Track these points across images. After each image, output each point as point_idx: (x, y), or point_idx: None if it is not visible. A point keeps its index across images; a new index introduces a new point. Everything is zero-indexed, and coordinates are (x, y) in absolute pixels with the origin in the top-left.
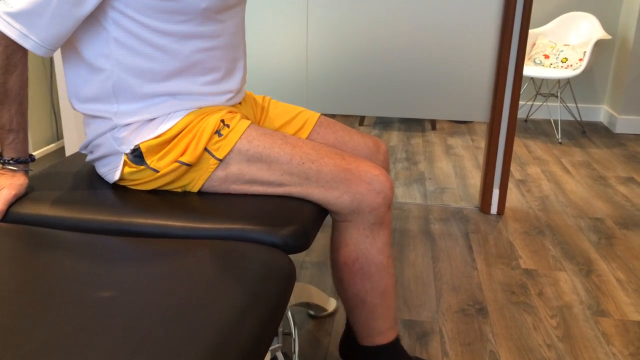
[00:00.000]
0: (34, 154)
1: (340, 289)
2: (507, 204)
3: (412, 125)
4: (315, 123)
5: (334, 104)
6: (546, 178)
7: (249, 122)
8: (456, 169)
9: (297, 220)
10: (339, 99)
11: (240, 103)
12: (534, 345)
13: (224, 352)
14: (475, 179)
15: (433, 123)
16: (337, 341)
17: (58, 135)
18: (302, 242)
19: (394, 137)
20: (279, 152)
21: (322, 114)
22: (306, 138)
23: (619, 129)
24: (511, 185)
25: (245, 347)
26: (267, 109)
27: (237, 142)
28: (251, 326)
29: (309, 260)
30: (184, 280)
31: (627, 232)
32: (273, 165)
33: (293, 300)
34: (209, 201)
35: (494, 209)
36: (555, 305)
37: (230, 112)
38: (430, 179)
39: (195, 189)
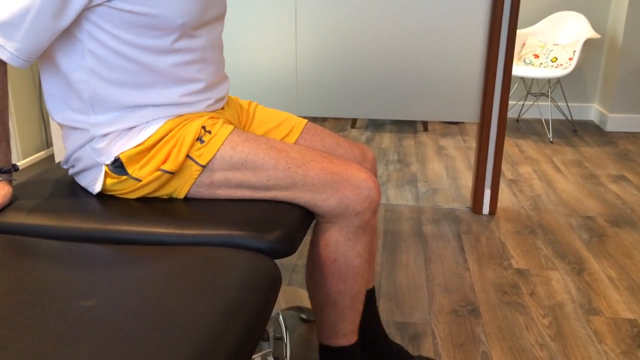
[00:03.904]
0: (24, 161)
1: (313, 288)
2: (499, 204)
3: (404, 126)
4: (302, 129)
5: (325, 107)
6: (538, 177)
7: (232, 127)
8: (448, 169)
9: (283, 225)
10: (329, 102)
11: (222, 108)
12: (526, 345)
13: (208, 355)
14: (467, 180)
15: (425, 124)
16: None
17: (47, 143)
18: (288, 247)
19: (386, 139)
20: (264, 157)
21: (309, 121)
22: None
23: (610, 127)
24: (503, 185)
25: (229, 354)
26: (252, 114)
27: (219, 148)
28: (234, 333)
29: (301, 264)
30: (166, 288)
31: (619, 230)
32: (258, 170)
33: (284, 304)
34: (194, 207)
35: (485, 209)
36: (547, 305)
37: (212, 117)
38: (426, 181)
39: (181, 196)
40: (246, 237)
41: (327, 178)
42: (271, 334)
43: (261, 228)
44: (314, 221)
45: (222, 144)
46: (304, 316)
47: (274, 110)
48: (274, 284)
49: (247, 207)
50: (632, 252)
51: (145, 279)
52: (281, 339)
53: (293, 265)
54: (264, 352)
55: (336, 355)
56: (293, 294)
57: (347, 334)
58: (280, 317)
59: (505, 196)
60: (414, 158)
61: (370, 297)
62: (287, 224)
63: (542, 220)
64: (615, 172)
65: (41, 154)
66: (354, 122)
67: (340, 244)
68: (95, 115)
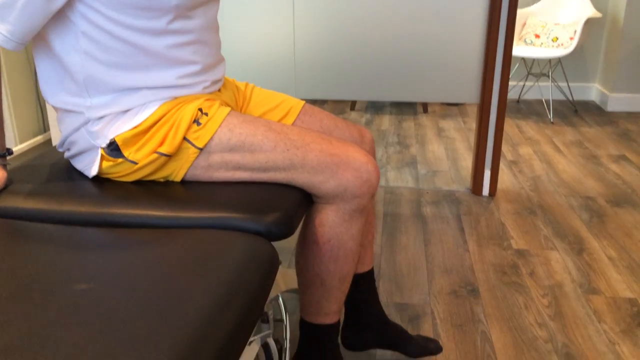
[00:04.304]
0: (21, 146)
1: (302, 267)
2: (499, 185)
3: (404, 108)
4: (300, 111)
5: (323, 89)
6: (538, 158)
7: (229, 109)
8: (448, 151)
9: (281, 207)
10: (328, 84)
11: (219, 90)
12: (526, 324)
13: (203, 343)
14: (467, 161)
15: (424, 106)
16: None
17: (44, 127)
18: (286, 229)
19: (386, 121)
20: (262, 139)
21: (307, 102)
22: None
23: (610, 107)
24: (503, 166)
25: (225, 337)
26: (249, 96)
27: (217, 130)
28: (231, 317)
29: None
30: (163, 271)
31: (619, 210)
32: (256, 152)
33: (284, 286)
34: (191, 190)
35: (485, 191)
36: (547, 285)
37: (209, 99)
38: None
39: (178, 179)
40: (243, 219)
41: (327, 160)
42: (271, 316)
43: (259, 210)
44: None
45: (219, 126)
46: None
47: (271, 91)
48: (271, 266)
49: (244, 189)
50: (632, 232)
51: (141, 262)
52: (281, 320)
53: (294, 247)
54: (263, 334)
55: (317, 333)
56: (293, 276)
57: (330, 313)
58: (280, 299)
59: (505, 177)
60: (413, 140)
61: (369, 279)
62: (285, 206)
63: (542, 200)
64: (616, 152)
65: (38, 139)
66: (353, 105)
67: (335, 225)
68: (90, 97)
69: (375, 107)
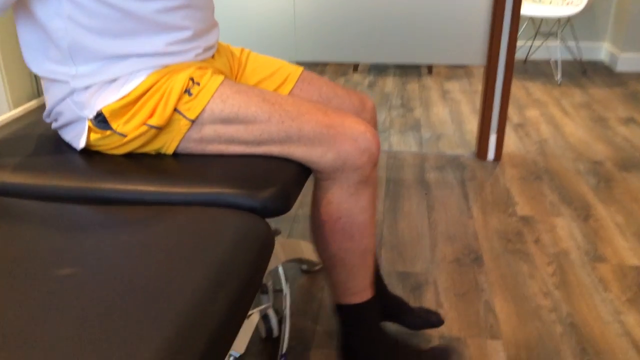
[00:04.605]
0: (15, 111)
1: (320, 248)
2: (504, 150)
3: (408, 70)
4: (298, 78)
5: (325, 51)
6: (545, 121)
7: (222, 78)
8: (453, 114)
9: (277, 182)
10: (330, 46)
11: (213, 57)
12: (530, 293)
13: (195, 327)
14: (472, 124)
15: (429, 67)
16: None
17: (39, 92)
18: (282, 205)
19: (389, 83)
20: (256, 110)
21: (308, 65)
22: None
23: (620, 68)
24: (509, 130)
25: (217, 324)
26: (245, 62)
27: (209, 101)
28: (223, 301)
29: (302, 214)
30: (153, 252)
31: (627, 175)
32: (250, 125)
33: (284, 257)
34: (184, 163)
35: (491, 155)
36: (552, 252)
37: (201, 68)
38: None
39: (169, 152)
40: (238, 195)
41: (323, 131)
42: (270, 287)
43: (253, 185)
44: (314, 179)
45: (212, 96)
46: (304, 267)
47: (267, 57)
48: (265, 247)
49: (239, 163)
50: None
51: (129, 243)
52: (281, 291)
53: (294, 215)
54: (262, 307)
55: (350, 314)
56: (293, 246)
57: (359, 292)
58: (280, 269)
59: (511, 141)
60: (417, 102)
61: None
62: (281, 180)
63: (548, 165)
64: (624, 114)
65: (32, 104)
66: (355, 66)
67: (343, 201)
68: (75, 66)
69: (379, 69)
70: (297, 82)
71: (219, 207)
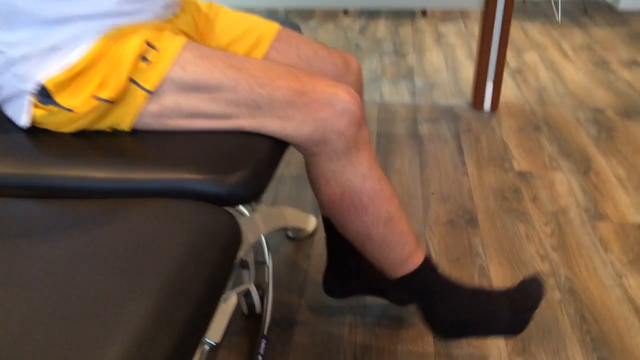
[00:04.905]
0: None
1: (341, 229)
2: (501, 98)
3: (401, 12)
4: (274, 38)
5: None
6: (544, 66)
7: (184, 40)
8: (447, 60)
9: (248, 162)
10: None
11: (175, 15)
12: (527, 257)
13: (151, 346)
14: (467, 71)
15: (424, 9)
16: (317, 264)
17: None
18: (253, 190)
19: (381, 28)
20: (221, 77)
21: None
22: (262, 57)
23: (622, 6)
24: (506, 76)
25: (176, 337)
26: (213, 20)
27: (169, 68)
28: (182, 314)
29: (288, 174)
30: (100, 259)
31: (629, 123)
32: (215, 94)
33: (265, 228)
34: (142, 143)
35: (487, 105)
36: (550, 211)
37: (158, 29)
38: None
39: (125, 127)
40: (201, 181)
41: (295, 100)
42: (252, 260)
43: (220, 169)
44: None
45: (172, 62)
46: (290, 234)
47: (240, 13)
48: (229, 246)
49: (204, 142)
50: None
51: (71, 251)
52: (264, 263)
53: (279, 175)
54: (240, 288)
55: (414, 283)
56: (276, 215)
57: (405, 260)
58: (263, 240)
59: (509, 89)
60: (410, 48)
61: None
62: (252, 160)
63: (547, 114)
64: (627, 55)
65: None
66: (345, 9)
67: (338, 175)
68: (10, 31)
69: (370, 12)
70: (272, 41)
71: (179, 196)
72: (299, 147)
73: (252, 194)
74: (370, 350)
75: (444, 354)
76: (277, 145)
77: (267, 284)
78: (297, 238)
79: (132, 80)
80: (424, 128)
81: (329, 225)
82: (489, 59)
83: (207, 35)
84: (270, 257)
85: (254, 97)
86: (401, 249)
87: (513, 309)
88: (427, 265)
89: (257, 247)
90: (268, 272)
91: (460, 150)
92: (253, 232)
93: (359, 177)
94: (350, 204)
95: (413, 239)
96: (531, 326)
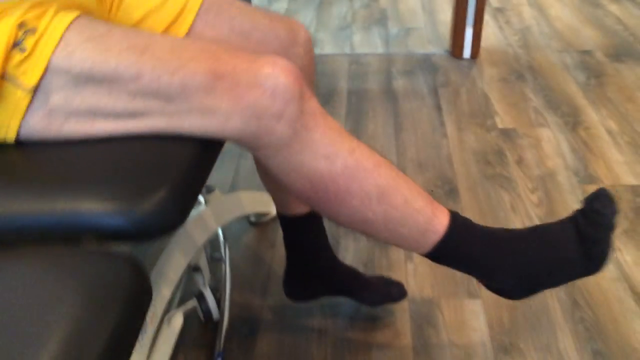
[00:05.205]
0: None
1: (333, 221)
2: (482, 43)
3: None
4: (200, 8)
5: None
6: (528, 2)
7: (71, 16)
8: (424, 1)
9: (165, 179)
10: None
11: None
12: None
13: None
14: (446, 14)
15: None
16: (282, 254)
17: None
18: (173, 218)
19: None
20: (117, 63)
21: None
22: (187, 34)
23: None
24: (488, 18)
25: None
26: None
27: (52, 55)
28: None
29: None
30: None
31: (620, 66)
32: (114, 85)
33: (218, 224)
34: (27, 161)
35: (467, 52)
36: (537, 175)
37: (39, 4)
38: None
39: (10, 139)
40: (101, 213)
41: (214, 86)
42: (205, 261)
43: (127, 192)
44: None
45: (56, 48)
46: (252, 219)
47: None
48: (135, 308)
49: (109, 154)
50: (636, 95)
51: None
52: (220, 259)
53: (242, 150)
54: (186, 306)
55: (445, 257)
56: (232, 204)
57: (425, 230)
58: (220, 234)
59: (490, 31)
60: None
61: (311, 220)
62: (172, 176)
63: (532, 60)
64: None
65: None
66: None
67: (297, 165)
68: None
69: None
70: (198, 13)
71: (73, 234)
72: (235, 142)
73: (171, 223)
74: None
75: (425, 355)
76: (205, 150)
77: (224, 287)
78: (259, 223)
79: (5, 77)
80: (399, 83)
81: (286, 223)
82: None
83: (116, 10)
84: (227, 251)
85: (162, 87)
86: (413, 220)
87: (584, 240)
88: (457, 224)
89: (213, 242)
90: (225, 271)
91: (438, 107)
92: (203, 232)
93: (322, 160)
94: (325, 194)
95: (425, 202)
96: (518, 317)
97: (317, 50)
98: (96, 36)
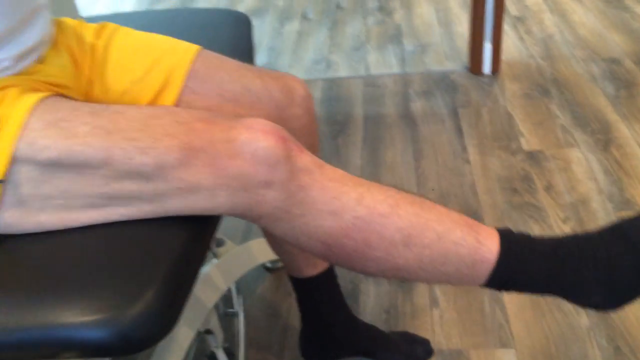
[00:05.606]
0: None
1: (368, 275)
2: (502, 56)
3: None
4: (187, 75)
5: None
6: (549, 9)
7: (33, 100)
8: (439, 13)
9: (151, 277)
10: None
11: (39, 61)
12: None
13: None
14: (463, 26)
15: None
16: None
17: None
18: (163, 324)
19: None
20: (82, 150)
21: (201, 47)
22: (174, 103)
23: None
24: (507, 28)
25: None
26: (105, 54)
27: (13, 145)
28: None
29: None
30: None
31: None
32: (86, 170)
33: (228, 282)
34: (6, 258)
35: (487, 67)
36: (568, 202)
37: (2, 87)
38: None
39: None
40: (78, 325)
41: (192, 161)
42: (217, 318)
43: (108, 298)
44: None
45: (19, 135)
46: (268, 265)
47: (144, 36)
48: None
49: (92, 244)
50: None
51: None
52: (234, 314)
53: None
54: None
55: (506, 283)
56: (245, 255)
57: (473, 263)
58: (233, 289)
59: (510, 42)
60: (397, 3)
61: (324, 281)
62: (160, 273)
63: (556, 72)
64: None
65: None
66: None
67: (303, 229)
68: None
69: None
70: (185, 80)
71: (49, 349)
72: (231, 216)
73: (161, 331)
74: None
75: None
76: (199, 229)
77: (238, 346)
78: (275, 268)
79: None
80: (417, 105)
81: (297, 285)
82: (485, 9)
83: (97, 77)
84: (242, 305)
85: (135, 168)
86: (455, 255)
87: None
88: (511, 246)
89: (226, 297)
90: (239, 328)
91: (459, 130)
92: (213, 293)
93: (329, 217)
94: (343, 251)
95: (465, 231)
96: None
97: (331, 74)
98: (59, 120)
